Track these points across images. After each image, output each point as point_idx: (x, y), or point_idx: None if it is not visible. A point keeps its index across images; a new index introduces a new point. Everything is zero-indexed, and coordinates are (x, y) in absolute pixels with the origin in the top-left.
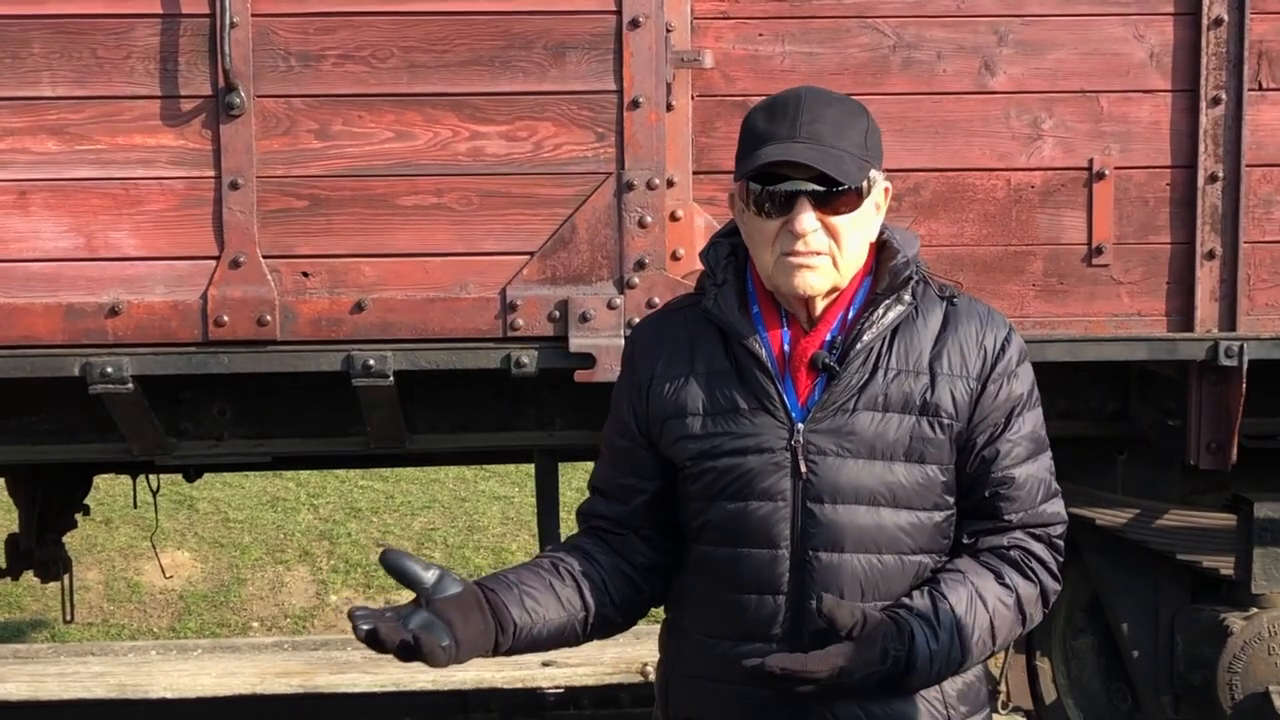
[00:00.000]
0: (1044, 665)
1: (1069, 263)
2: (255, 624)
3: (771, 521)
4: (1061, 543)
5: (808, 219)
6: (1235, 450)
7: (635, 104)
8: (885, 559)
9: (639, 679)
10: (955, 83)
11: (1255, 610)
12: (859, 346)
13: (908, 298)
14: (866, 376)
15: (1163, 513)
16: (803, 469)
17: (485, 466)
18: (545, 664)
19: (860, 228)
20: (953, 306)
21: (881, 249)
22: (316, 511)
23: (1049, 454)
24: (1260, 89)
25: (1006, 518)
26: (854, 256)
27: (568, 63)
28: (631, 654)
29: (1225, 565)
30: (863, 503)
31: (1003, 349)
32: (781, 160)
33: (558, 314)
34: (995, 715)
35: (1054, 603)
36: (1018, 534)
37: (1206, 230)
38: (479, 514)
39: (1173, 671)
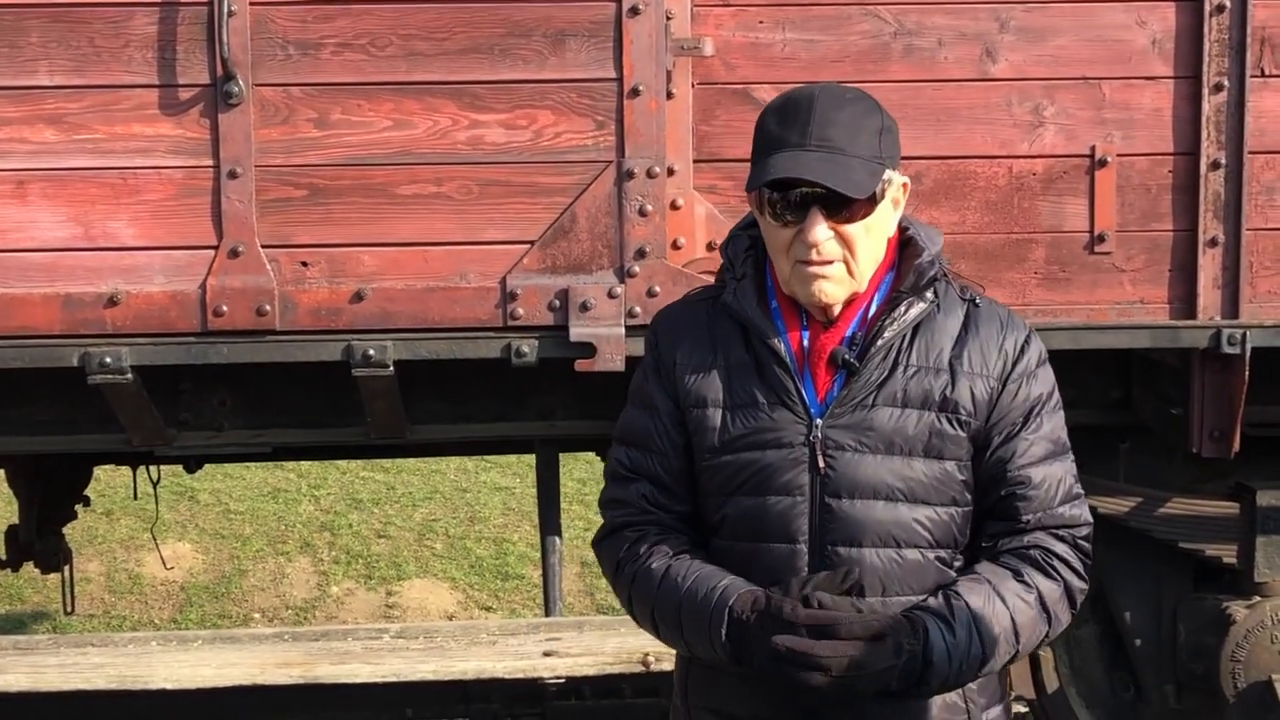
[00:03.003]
0: (1046, 654)
1: (1071, 250)
2: (256, 615)
3: (790, 516)
4: (1088, 545)
5: (820, 229)
6: (1238, 438)
7: (635, 92)
8: (905, 553)
9: (640, 669)
10: (957, 70)
11: (1258, 598)
12: (880, 343)
13: (930, 296)
14: (886, 373)
15: (1165, 501)
16: (821, 464)
17: (486, 457)
18: (546, 654)
19: (875, 230)
20: (975, 307)
21: (905, 245)
22: (317, 502)
23: (1070, 458)
24: (1262, 75)
25: (1024, 518)
26: (869, 260)
27: (567, 51)
28: (633, 644)
29: (1228, 553)
30: (880, 498)
31: (1023, 351)
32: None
33: (558, 303)
34: None
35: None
36: (1037, 534)
37: (1209, 217)
38: (480, 505)
39: (1175, 660)
